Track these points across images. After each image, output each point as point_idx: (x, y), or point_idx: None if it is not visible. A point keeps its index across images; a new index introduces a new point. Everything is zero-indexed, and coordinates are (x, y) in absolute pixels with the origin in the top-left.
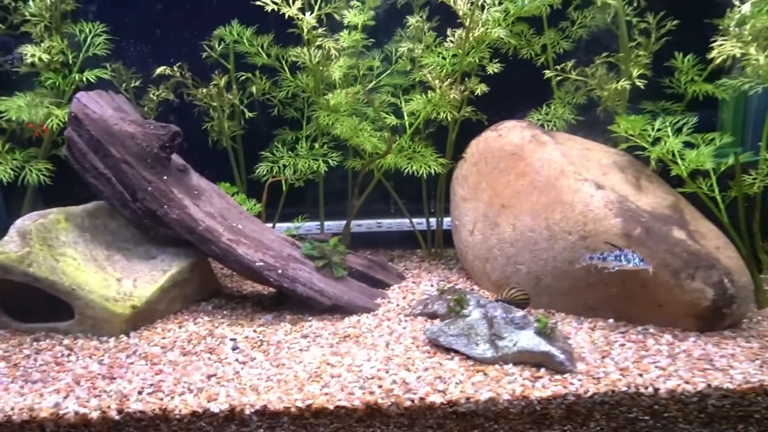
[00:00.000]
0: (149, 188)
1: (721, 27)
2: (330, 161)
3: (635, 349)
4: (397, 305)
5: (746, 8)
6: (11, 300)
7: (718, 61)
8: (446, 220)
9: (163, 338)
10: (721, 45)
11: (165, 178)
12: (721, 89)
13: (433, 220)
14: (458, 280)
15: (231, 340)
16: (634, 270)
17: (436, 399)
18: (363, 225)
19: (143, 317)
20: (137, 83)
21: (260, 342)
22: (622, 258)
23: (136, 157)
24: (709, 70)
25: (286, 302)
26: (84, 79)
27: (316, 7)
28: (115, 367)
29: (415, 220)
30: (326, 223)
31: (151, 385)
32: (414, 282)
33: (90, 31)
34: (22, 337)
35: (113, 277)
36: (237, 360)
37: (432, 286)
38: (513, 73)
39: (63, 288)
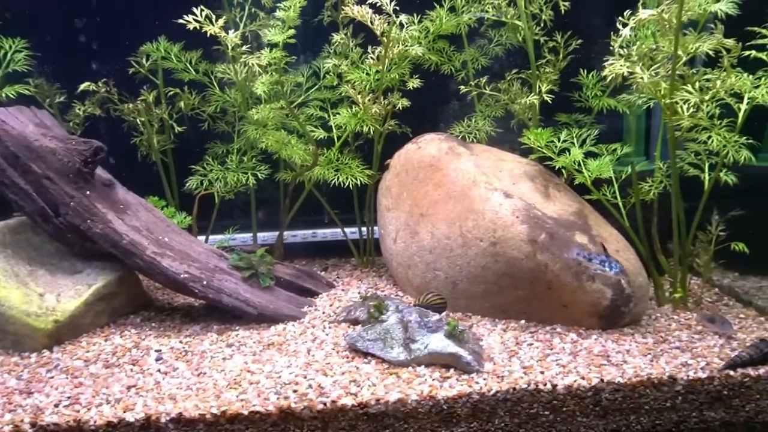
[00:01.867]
0: (72, 203)
1: (611, 48)
2: (259, 174)
3: (541, 348)
4: (323, 313)
5: (626, 32)
6: None
7: (609, 79)
8: (377, 228)
9: (87, 352)
10: (611, 64)
11: (88, 193)
12: (622, 103)
13: (365, 229)
14: (386, 286)
15: (156, 351)
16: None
17: (348, 401)
18: (298, 235)
19: (67, 332)
20: (62, 98)
21: (185, 352)
22: (606, 264)
23: (57, 173)
24: (613, 85)
25: (215, 313)
26: (3, 94)
27: (242, 25)
28: (34, 382)
29: (349, 230)
30: (261, 235)
31: (69, 397)
32: (343, 290)
33: (10, 47)
34: None
35: (35, 293)
36: (159, 370)
37: (359, 293)
38: (439, 87)
39: None
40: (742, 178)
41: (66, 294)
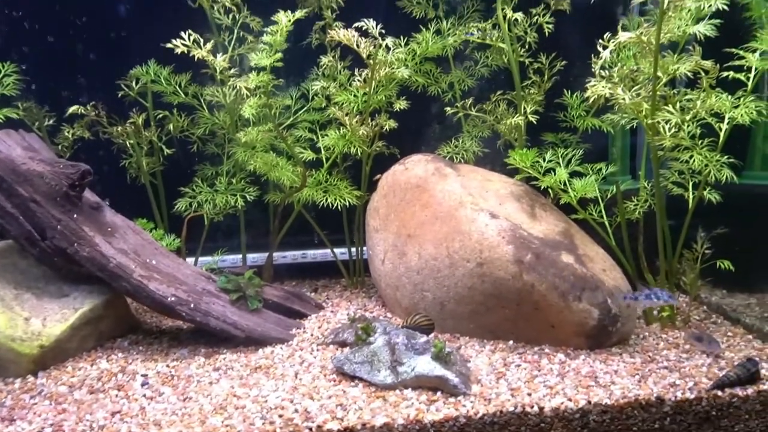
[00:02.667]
0: (58, 227)
1: (593, 69)
2: (248, 196)
3: (529, 369)
4: (312, 335)
5: (606, 54)
6: None
7: (591, 100)
8: (366, 249)
9: (72, 377)
10: (593, 86)
11: (75, 216)
12: (606, 123)
13: (355, 250)
14: (375, 307)
15: (142, 375)
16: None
17: (334, 426)
18: (288, 256)
19: (53, 356)
20: (51, 121)
21: (171, 376)
22: (652, 296)
23: (44, 196)
24: (597, 106)
25: (204, 336)
26: None
27: (230, 49)
28: (17, 409)
29: (339, 250)
30: (250, 256)
31: (52, 424)
32: (332, 311)
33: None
34: None
35: (21, 317)
36: (144, 396)
37: (348, 314)
38: (426, 108)
39: None
40: (728, 195)
41: (52, 318)
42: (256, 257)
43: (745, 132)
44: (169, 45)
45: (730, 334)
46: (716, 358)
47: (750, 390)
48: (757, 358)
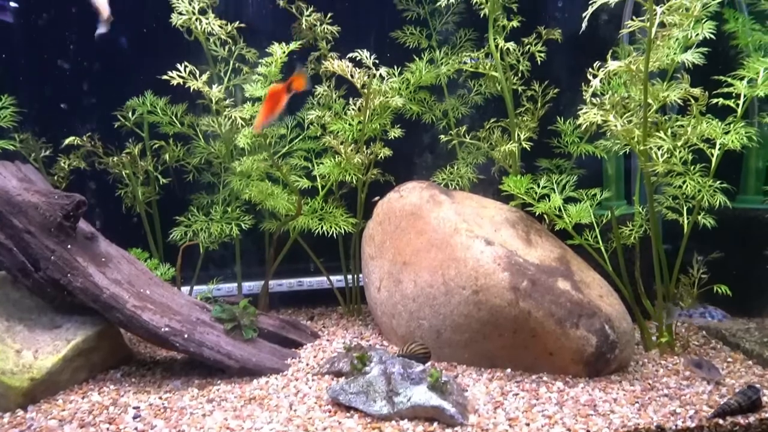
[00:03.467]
0: (52, 257)
1: (584, 97)
2: (243, 224)
3: (527, 398)
4: (307, 364)
5: (596, 83)
6: None
7: (584, 127)
8: (362, 276)
9: (63, 410)
10: (585, 113)
11: (69, 246)
12: (600, 149)
13: (351, 277)
14: (371, 335)
15: (134, 408)
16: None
17: None
18: (284, 284)
19: (44, 389)
20: (47, 152)
21: (164, 409)
22: (707, 314)
23: (39, 227)
24: (590, 132)
25: (197, 367)
26: None
27: (225, 79)
28: None
29: (335, 278)
30: (246, 284)
31: None
32: (328, 340)
33: None
34: None
35: (12, 349)
36: (136, 429)
37: (344, 343)
38: (421, 135)
39: None
40: (723, 219)
41: (44, 350)
42: (251, 285)
43: (738, 156)
44: (165, 77)
45: (730, 359)
46: (717, 385)
47: (752, 418)
48: (758, 385)
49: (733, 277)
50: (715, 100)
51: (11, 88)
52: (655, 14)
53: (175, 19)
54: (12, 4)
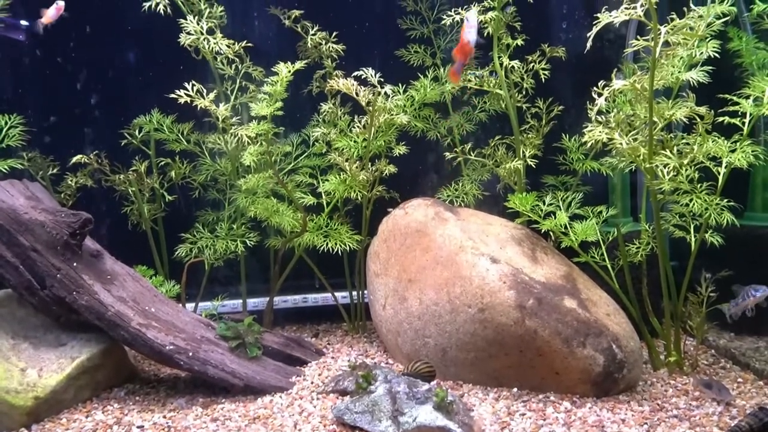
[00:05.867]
0: (58, 275)
1: (589, 115)
2: (248, 241)
3: (534, 419)
4: (312, 383)
5: (601, 102)
6: None
7: (589, 145)
8: (367, 293)
9: (67, 429)
10: (591, 131)
11: (75, 264)
12: (605, 166)
13: (356, 294)
14: (376, 353)
15: (138, 427)
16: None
17: None
18: (289, 301)
19: (48, 408)
20: (54, 170)
21: (168, 428)
22: (752, 291)
23: (45, 245)
24: (595, 149)
25: (202, 385)
26: None
27: (232, 98)
28: None
29: (340, 294)
30: (251, 301)
31: None
32: (333, 357)
33: (6, 123)
34: None
35: (17, 368)
36: None
37: (349, 361)
38: (426, 152)
39: None
40: (731, 237)
41: (48, 368)
42: (256, 302)
43: (746, 174)
44: (172, 95)
45: (740, 380)
46: (727, 406)
47: None
48: None
49: None
50: (720, 119)
51: (20, 107)
52: (660, 34)
53: (184, 39)
54: (23, 23)
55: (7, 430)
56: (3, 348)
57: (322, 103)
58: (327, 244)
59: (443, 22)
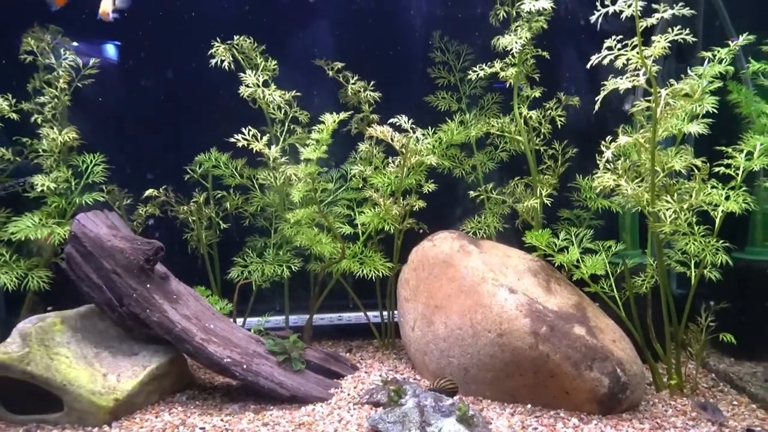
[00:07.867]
0: (134, 295)
1: (598, 162)
2: (293, 266)
3: None
4: (348, 394)
5: (608, 154)
6: (7, 393)
7: (598, 190)
8: (396, 313)
9: (141, 428)
10: (600, 177)
11: (148, 285)
12: (615, 204)
13: (386, 313)
14: (405, 369)
15: (200, 429)
16: None
17: None
18: (326, 318)
19: (125, 409)
20: (128, 201)
21: (226, 430)
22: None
23: (124, 269)
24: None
25: (251, 393)
26: (84, 201)
27: (281, 139)
28: None
29: (372, 314)
30: (292, 317)
31: None
32: (366, 372)
33: (90, 161)
34: (15, 428)
35: (100, 373)
36: None
37: (381, 376)
38: (453, 187)
39: (56, 384)
40: (732, 269)
41: (125, 374)
42: (297, 319)
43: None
44: (232, 139)
45: (735, 402)
46: (721, 427)
47: None
48: (758, 428)
49: (742, 324)
50: (717, 169)
51: (103, 147)
52: (660, 96)
53: (243, 91)
54: None
55: (93, 426)
56: (88, 356)
57: (359, 143)
58: (362, 270)
59: (468, 74)
